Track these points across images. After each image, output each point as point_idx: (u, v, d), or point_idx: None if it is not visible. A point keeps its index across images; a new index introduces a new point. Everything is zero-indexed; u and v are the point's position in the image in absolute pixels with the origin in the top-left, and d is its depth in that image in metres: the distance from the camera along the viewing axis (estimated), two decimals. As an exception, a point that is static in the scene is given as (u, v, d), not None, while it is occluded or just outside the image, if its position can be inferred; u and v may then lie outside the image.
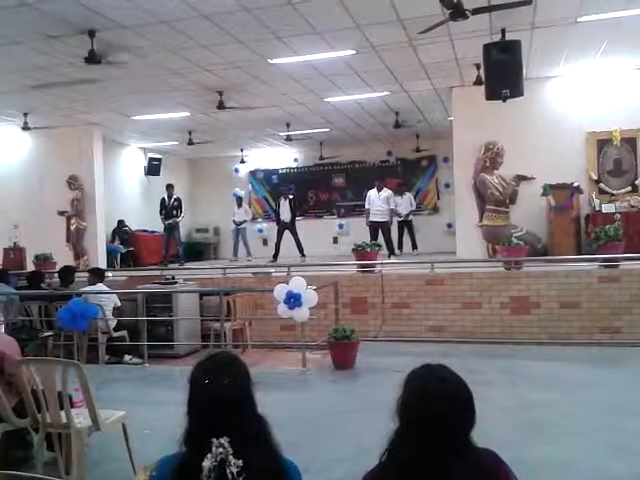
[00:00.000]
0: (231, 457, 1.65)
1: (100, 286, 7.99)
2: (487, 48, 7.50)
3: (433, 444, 1.63)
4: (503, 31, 7.39)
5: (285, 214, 12.73)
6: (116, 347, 7.83)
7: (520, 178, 10.26)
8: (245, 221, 14.51)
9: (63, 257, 11.59)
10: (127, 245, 14.35)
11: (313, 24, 7.14)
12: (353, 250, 9.49)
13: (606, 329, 7.76)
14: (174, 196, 12.93)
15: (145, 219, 14.99)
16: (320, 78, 9.50)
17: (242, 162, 16.93)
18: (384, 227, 12.45)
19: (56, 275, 9.25)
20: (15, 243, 12.45)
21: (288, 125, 13.20)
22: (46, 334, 7.56)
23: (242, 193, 15.84)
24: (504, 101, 7.79)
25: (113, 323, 7.84)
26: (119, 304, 7.95)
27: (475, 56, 8.28)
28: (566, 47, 8.62)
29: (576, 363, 6.74)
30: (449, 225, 14.46)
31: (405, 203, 13.51)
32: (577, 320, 7.89)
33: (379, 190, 12.56)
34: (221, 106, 10.19)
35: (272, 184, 17.41)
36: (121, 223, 14.45)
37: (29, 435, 4.05)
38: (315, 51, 8.16)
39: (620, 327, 7.74)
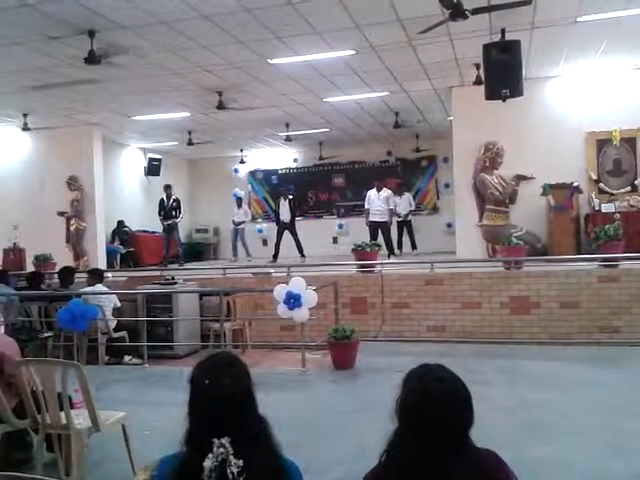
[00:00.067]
0: (232, 457, 1.65)
1: (99, 287, 7.98)
2: (487, 48, 7.50)
3: (432, 444, 1.64)
4: (503, 31, 7.39)
5: (285, 214, 12.74)
6: (116, 348, 7.83)
7: (520, 178, 10.26)
8: (244, 222, 14.53)
9: (63, 258, 11.59)
10: (127, 246, 14.35)
11: (313, 24, 7.14)
12: (353, 250, 9.49)
13: (605, 329, 7.76)
14: (173, 197, 12.93)
15: (145, 219, 14.98)
16: (320, 78, 9.50)
17: (242, 162, 16.93)
18: (384, 227, 12.46)
19: (56, 276, 9.25)
20: (15, 244, 12.45)
21: (288, 125, 13.20)
22: (46, 335, 7.56)
23: (242, 194, 15.85)
24: (504, 101, 7.80)
25: (113, 324, 7.84)
26: (119, 305, 7.95)
27: (475, 56, 8.28)
28: (566, 47, 8.62)
29: (576, 363, 6.75)
30: (449, 225, 14.46)
31: (404, 203, 13.52)
32: (577, 320, 7.89)
33: (379, 190, 12.56)
34: (221, 106, 10.19)
35: (272, 184, 17.41)
36: (121, 224, 14.46)
37: (29, 436, 4.05)
38: (315, 51, 8.16)
39: (619, 327, 7.75)
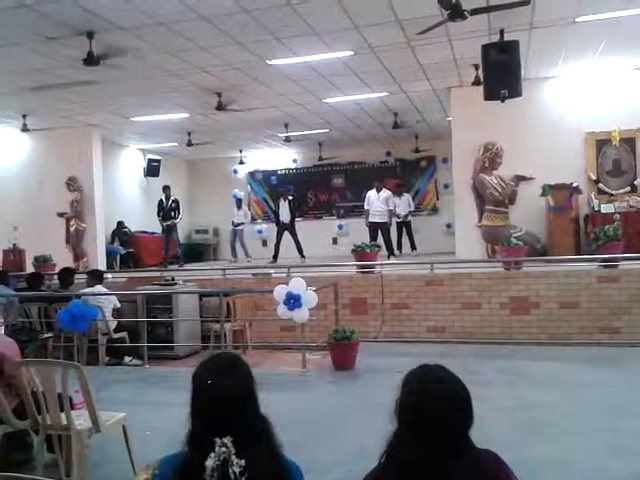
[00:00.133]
0: (234, 457, 1.66)
1: (99, 288, 7.98)
2: (485, 48, 7.50)
3: (432, 445, 1.64)
4: (501, 31, 7.40)
5: (284, 215, 12.74)
6: (116, 349, 7.83)
7: (519, 178, 10.26)
8: (243, 223, 14.55)
9: (63, 259, 11.58)
10: (127, 246, 14.35)
11: (312, 25, 7.15)
12: (353, 251, 9.49)
13: (605, 329, 7.76)
14: (171, 197, 12.93)
15: (144, 220, 14.98)
16: (319, 79, 9.51)
17: (241, 163, 16.93)
18: (383, 228, 12.46)
19: (56, 277, 9.25)
20: (14, 245, 12.46)
21: (287, 126, 13.21)
22: (46, 336, 7.55)
23: (242, 195, 15.85)
24: (503, 101, 7.80)
25: (113, 324, 7.84)
26: (119, 305, 7.95)
27: (473, 56, 8.29)
28: (564, 47, 8.62)
29: (575, 363, 6.75)
30: (448, 225, 14.47)
31: (404, 204, 13.53)
32: (576, 320, 7.89)
33: (378, 191, 12.57)
34: (220, 107, 10.19)
35: (271, 185, 17.42)
36: (121, 224, 14.46)
37: (29, 437, 4.06)
38: (314, 52, 8.16)
39: (619, 327, 7.75)
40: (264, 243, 16.48)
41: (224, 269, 10.42)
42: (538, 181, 10.01)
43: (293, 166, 17.44)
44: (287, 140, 14.00)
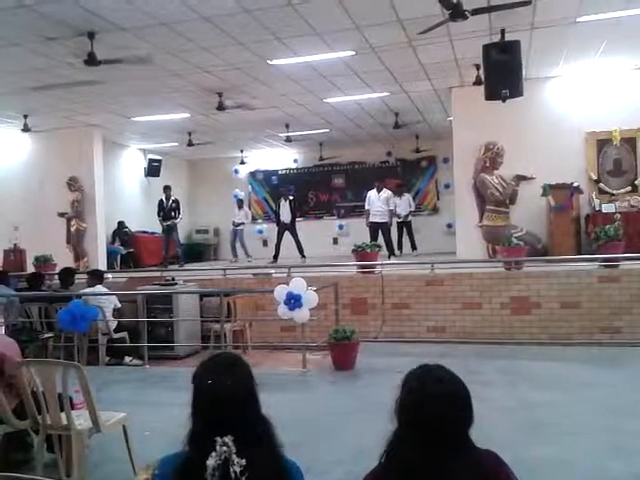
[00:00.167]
0: (234, 456, 1.66)
1: (99, 288, 7.98)
2: (487, 48, 7.50)
3: (432, 444, 1.64)
4: (502, 31, 7.39)
5: (285, 215, 12.75)
6: (116, 349, 7.83)
7: (520, 178, 10.26)
8: (243, 223, 14.56)
9: (63, 259, 11.59)
10: (127, 246, 14.35)
11: (313, 25, 7.15)
12: (353, 251, 9.49)
13: (606, 329, 7.75)
14: (172, 197, 12.93)
15: (145, 220, 14.99)
16: (320, 79, 9.51)
17: (242, 163, 16.93)
18: (384, 228, 12.45)
19: (56, 277, 9.25)
20: (15, 245, 12.47)
21: (288, 126, 13.21)
22: (46, 336, 7.55)
23: (242, 195, 15.87)
24: (504, 101, 7.80)
25: (113, 325, 7.84)
26: (119, 305, 7.95)
27: (475, 56, 8.28)
28: (565, 47, 8.62)
29: (576, 363, 6.74)
30: (449, 225, 14.46)
31: (404, 204, 13.54)
32: (577, 320, 7.89)
33: (379, 191, 12.57)
34: (221, 107, 10.19)
35: (272, 185, 17.42)
36: (121, 224, 14.46)
37: (29, 437, 4.06)
38: (315, 52, 8.16)
39: (620, 327, 7.74)
40: (265, 243, 16.48)
41: (224, 269, 10.42)
42: (539, 181, 10.00)
43: (294, 166, 17.44)
44: (288, 140, 14.00)
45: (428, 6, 6.36)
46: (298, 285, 6.68)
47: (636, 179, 10.02)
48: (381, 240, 11.81)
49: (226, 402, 1.73)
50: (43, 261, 11.16)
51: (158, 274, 10.45)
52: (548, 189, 9.84)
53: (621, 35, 8.01)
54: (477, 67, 8.92)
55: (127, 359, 7.82)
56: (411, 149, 15.53)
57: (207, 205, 17.38)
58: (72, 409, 3.74)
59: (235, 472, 1.65)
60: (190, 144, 13.70)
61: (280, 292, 6.69)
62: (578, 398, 5.29)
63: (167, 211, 12.82)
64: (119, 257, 14.03)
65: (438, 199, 16.11)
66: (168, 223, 12.80)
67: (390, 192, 12.78)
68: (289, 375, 6.69)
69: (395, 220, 13.27)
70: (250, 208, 16.79)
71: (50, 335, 7.61)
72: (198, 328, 8.60)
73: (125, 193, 15.17)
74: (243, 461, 1.66)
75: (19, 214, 12.52)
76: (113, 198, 13.98)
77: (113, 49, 7.48)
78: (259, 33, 7.30)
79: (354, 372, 6.72)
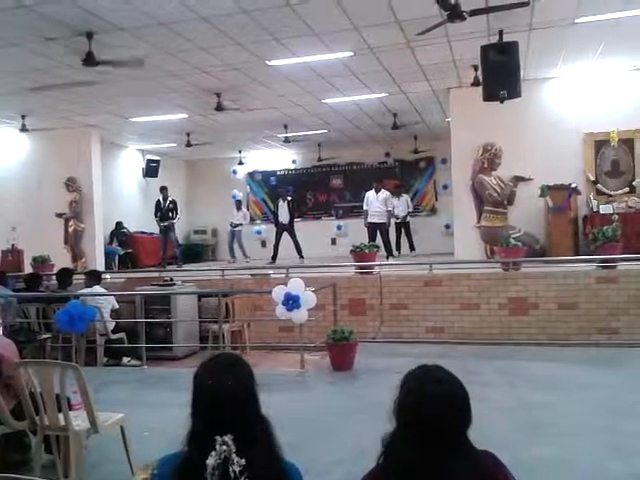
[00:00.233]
0: (234, 455, 1.66)
1: (97, 288, 7.97)
2: (485, 49, 7.51)
3: (430, 445, 1.64)
4: (500, 32, 7.40)
5: (284, 216, 12.74)
6: (114, 349, 7.82)
7: (518, 179, 10.27)
8: (241, 224, 14.57)
9: (61, 259, 11.57)
10: (125, 247, 14.34)
11: (311, 26, 7.15)
12: (351, 251, 9.49)
13: (604, 330, 7.76)
14: (169, 198, 12.93)
15: (143, 221, 14.98)
16: (318, 80, 9.51)
17: (240, 164, 16.93)
18: (382, 228, 12.45)
19: (54, 277, 9.23)
20: (13, 245, 12.45)
21: (286, 127, 13.21)
22: (44, 336, 7.53)
23: (241, 195, 15.87)
24: (502, 102, 7.81)
25: (111, 325, 7.83)
26: (117, 306, 7.94)
27: (473, 57, 8.29)
28: (564, 48, 8.63)
29: (574, 364, 6.75)
30: (447, 226, 14.48)
31: (402, 205, 13.56)
32: (575, 321, 7.90)
33: (377, 191, 12.56)
34: (219, 108, 10.19)
35: (270, 186, 17.42)
36: (119, 225, 14.45)
37: (27, 438, 4.04)
38: (313, 53, 8.16)
39: (618, 328, 7.76)
40: (263, 244, 16.49)
41: (223, 270, 10.41)
42: (537, 182, 10.01)
43: (292, 167, 17.44)
44: (286, 141, 14.01)
45: (426, 7, 6.36)
46: (296, 286, 6.68)
47: (634, 180, 10.03)
48: (379, 241, 11.80)
49: (226, 402, 1.73)
50: (41, 261, 11.14)
51: (156, 275, 10.44)
52: (546, 190, 9.85)
53: (619, 36, 8.03)
54: (475, 68, 8.93)
55: (125, 360, 7.82)
56: (409, 150, 15.54)
57: (205, 206, 17.37)
58: (70, 410, 3.74)
59: (234, 471, 1.65)
60: (188, 145, 13.70)
61: (278, 293, 6.69)
62: (576, 399, 5.29)
63: (164, 212, 12.82)
64: (117, 258, 14.02)
65: (436, 200, 16.12)
66: (165, 224, 12.79)
67: (388, 193, 12.77)
68: (287, 376, 6.69)
69: (393, 221, 13.28)
70: (248, 209, 16.80)
71: (48, 336, 7.59)
72: (196, 329, 8.59)
73: (123, 194, 15.16)
74: (243, 461, 1.66)
75: (17, 214, 12.50)
76: (111, 199, 13.96)
77: (111, 49, 7.48)
78: (257, 33, 7.30)
79: (352, 373, 6.72)
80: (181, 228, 15.32)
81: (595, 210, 9.87)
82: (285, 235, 12.72)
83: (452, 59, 8.80)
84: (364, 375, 6.56)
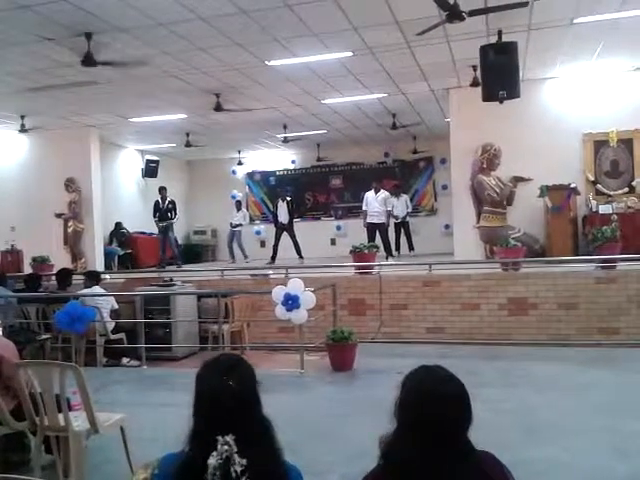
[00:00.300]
0: (236, 455, 1.66)
1: (96, 289, 7.97)
2: (484, 50, 7.51)
3: (431, 445, 1.64)
4: (500, 33, 7.41)
5: (283, 216, 12.75)
6: (114, 350, 7.82)
7: (517, 179, 10.26)
8: (241, 225, 14.57)
9: (60, 260, 11.57)
10: (125, 247, 14.34)
11: (310, 26, 7.15)
12: (351, 252, 9.49)
13: (604, 330, 7.77)
14: (168, 198, 12.93)
15: (142, 221, 14.96)
16: (317, 80, 9.51)
17: (239, 164, 16.94)
18: (381, 228, 12.46)
19: (53, 278, 9.23)
20: (12, 246, 12.44)
21: (285, 127, 13.21)
22: (44, 337, 7.53)
23: (240, 196, 15.87)
24: (501, 102, 7.81)
25: (111, 326, 7.83)
26: (116, 307, 7.94)
27: (472, 57, 8.28)
28: (563, 48, 8.63)
29: (574, 364, 6.74)
30: (446, 226, 14.48)
31: (401, 205, 13.56)
32: (575, 321, 7.90)
33: (376, 192, 12.57)
34: (218, 108, 10.19)
35: (269, 186, 17.42)
36: (119, 225, 14.45)
37: (27, 438, 4.04)
38: (312, 53, 8.16)
39: (618, 328, 7.76)
40: (262, 244, 16.49)
41: (222, 270, 10.41)
42: (536, 182, 10.00)
43: (291, 167, 17.43)
44: (285, 141, 14.01)
45: (425, 7, 6.36)
46: (296, 286, 6.68)
47: (633, 180, 10.03)
48: (379, 241, 11.81)
49: (229, 403, 1.73)
50: (40, 262, 11.14)
51: (156, 275, 10.44)
52: (545, 190, 9.85)
53: (618, 36, 8.03)
54: (474, 68, 8.93)
55: (125, 360, 7.81)
56: (409, 150, 15.55)
57: (205, 206, 17.36)
58: (70, 410, 3.73)
59: (236, 471, 1.65)
60: (188, 145, 13.69)
61: (278, 293, 6.69)
62: (576, 399, 5.29)
63: (163, 212, 12.82)
64: (117, 258, 14.01)
65: (435, 200, 16.12)
66: (164, 224, 12.79)
67: (387, 193, 12.79)
68: (287, 376, 6.68)
69: (393, 221, 13.29)
70: (248, 209, 16.79)
71: (48, 336, 7.59)
72: (196, 329, 8.59)
73: (122, 194, 15.15)
74: (244, 461, 1.66)
75: (16, 215, 12.50)
76: (110, 199, 13.96)
77: (110, 50, 7.48)
78: (257, 34, 7.30)
79: (352, 373, 6.71)
80: (181, 228, 15.32)
81: (594, 210, 9.87)
82: (284, 235, 12.72)
83: (451, 59, 8.81)
84: (364, 375, 6.55)
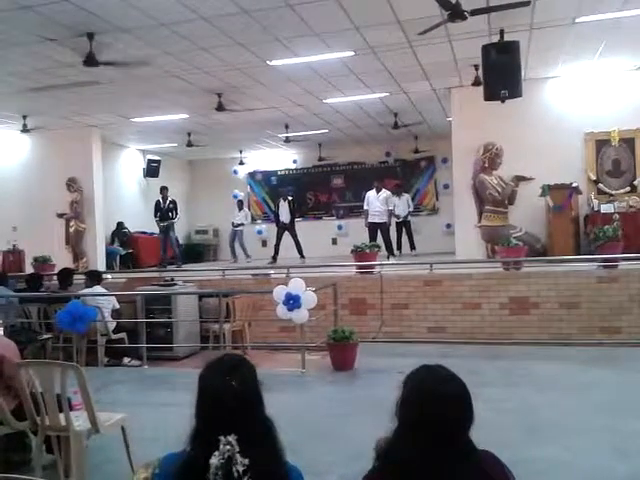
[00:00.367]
0: (238, 455, 1.66)
1: (97, 289, 7.98)
2: (486, 49, 7.50)
3: (432, 444, 1.64)
4: (502, 32, 7.39)
5: (284, 215, 12.75)
6: (115, 349, 7.83)
7: (519, 179, 10.24)
8: (243, 224, 14.58)
9: (62, 259, 11.58)
10: (126, 247, 14.35)
11: (312, 26, 7.14)
12: (352, 251, 9.49)
13: (605, 329, 7.76)
14: (169, 198, 12.94)
15: (144, 221, 14.97)
16: (319, 79, 9.50)
17: (241, 164, 16.94)
18: (383, 228, 12.46)
19: (55, 277, 9.24)
20: (14, 245, 12.46)
21: (287, 127, 13.21)
22: (45, 337, 7.53)
23: (242, 195, 15.87)
24: (503, 102, 7.80)
25: (112, 325, 7.83)
26: (117, 306, 7.95)
27: (474, 57, 8.28)
28: (564, 48, 8.61)
29: (576, 363, 6.74)
30: (448, 226, 14.46)
31: (403, 204, 13.55)
32: (576, 320, 7.89)
33: (378, 191, 12.57)
34: (220, 108, 10.19)
35: (271, 185, 17.42)
36: (120, 225, 14.46)
37: (28, 438, 4.05)
38: (314, 53, 8.16)
39: (619, 327, 7.75)
40: (264, 244, 16.49)
41: (223, 270, 10.41)
42: (538, 181, 9.98)
43: (293, 167, 17.43)
44: (287, 141, 14.01)
45: (427, 7, 6.35)
46: (297, 285, 6.68)
47: (635, 179, 10.02)
48: (380, 240, 11.80)
49: (231, 403, 1.73)
50: (42, 262, 11.16)
51: (157, 274, 10.44)
52: (547, 189, 9.83)
53: (620, 36, 8.01)
54: (476, 67, 8.92)
55: (126, 360, 7.82)
56: (410, 149, 15.54)
57: (206, 206, 17.36)
58: (71, 410, 3.74)
59: (238, 471, 1.65)
60: (189, 145, 13.70)
61: (279, 293, 6.69)
62: (577, 398, 5.29)
63: (164, 212, 12.83)
64: (118, 258, 14.02)
65: (437, 199, 16.11)
66: (165, 224, 12.80)
67: (389, 192, 12.78)
68: (288, 376, 6.68)
69: (394, 220, 13.28)
70: (249, 208, 16.79)
71: (49, 336, 7.59)
72: (197, 329, 8.60)
73: (124, 194, 15.16)
74: (246, 460, 1.66)
75: (18, 215, 12.51)
76: (112, 199, 13.97)
77: (112, 50, 7.48)
78: (258, 34, 7.29)
79: (353, 372, 6.71)
80: (182, 228, 15.32)
81: (596, 209, 9.85)
82: (286, 235, 12.72)
83: (453, 59, 8.79)
84: (365, 375, 6.55)
